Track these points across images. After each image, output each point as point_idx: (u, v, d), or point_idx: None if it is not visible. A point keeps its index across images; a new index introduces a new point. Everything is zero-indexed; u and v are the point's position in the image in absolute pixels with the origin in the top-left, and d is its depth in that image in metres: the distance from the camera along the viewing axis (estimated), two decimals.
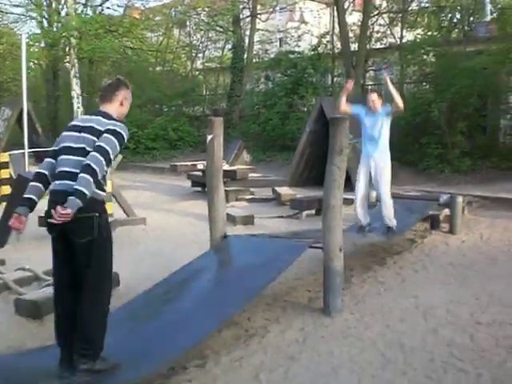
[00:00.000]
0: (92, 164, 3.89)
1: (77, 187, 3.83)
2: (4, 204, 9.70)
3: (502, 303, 6.03)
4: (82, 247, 4.07)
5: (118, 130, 4.11)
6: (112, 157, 4.05)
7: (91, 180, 3.87)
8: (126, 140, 4.18)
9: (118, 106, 4.35)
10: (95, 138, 4.05)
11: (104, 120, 4.15)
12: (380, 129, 8.13)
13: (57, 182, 4.10)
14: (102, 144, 3.99)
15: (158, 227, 10.31)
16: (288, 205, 12.10)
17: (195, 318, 4.92)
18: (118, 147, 4.10)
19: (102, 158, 3.94)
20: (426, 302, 6.09)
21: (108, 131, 4.06)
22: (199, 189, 14.64)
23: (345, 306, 5.90)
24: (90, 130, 4.11)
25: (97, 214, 4.03)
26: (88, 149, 4.01)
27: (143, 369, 4.22)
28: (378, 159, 8.16)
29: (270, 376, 4.49)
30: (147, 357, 4.37)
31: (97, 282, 4.15)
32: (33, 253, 8.25)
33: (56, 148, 4.25)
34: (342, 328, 5.40)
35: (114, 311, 4.74)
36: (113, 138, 4.05)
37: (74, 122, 4.35)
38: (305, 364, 4.67)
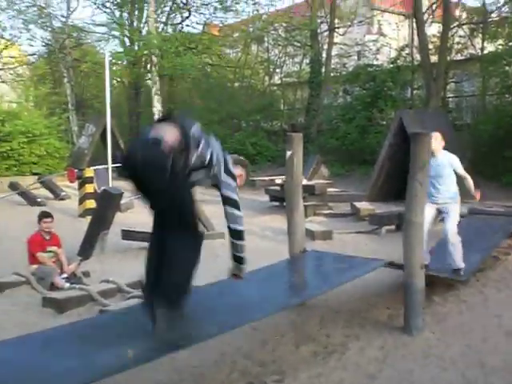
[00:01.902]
0: (238, 227, 4.48)
1: (240, 255, 4.50)
2: (89, 218, 10.02)
3: None
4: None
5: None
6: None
7: (244, 244, 4.47)
8: None
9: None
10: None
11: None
12: (441, 174, 7.13)
13: None
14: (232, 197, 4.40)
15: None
16: (367, 220, 12.00)
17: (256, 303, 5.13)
18: None
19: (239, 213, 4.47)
20: (509, 321, 5.93)
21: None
22: (277, 203, 14.70)
23: (426, 324, 5.81)
24: None
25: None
26: None
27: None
28: (443, 200, 7.19)
29: None
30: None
31: (189, 227, 4.22)
32: (117, 265, 8.51)
33: None
34: (422, 347, 5.32)
35: None
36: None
37: None
38: (384, 382, 4.62)
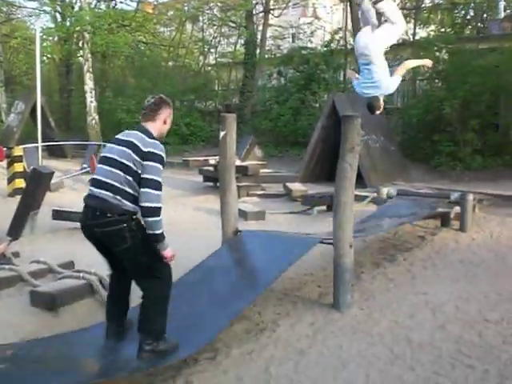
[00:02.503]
0: (151, 204, 4.18)
1: (151, 232, 4.22)
2: (18, 197, 9.81)
3: (510, 301, 6.05)
4: (121, 254, 4.34)
5: (159, 152, 4.28)
6: (161, 180, 4.26)
7: (158, 219, 4.21)
8: (164, 160, 4.35)
9: (161, 124, 4.52)
10: (135, 155, 4.22)
11: (146, 138, 4.31)
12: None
13: (93, 189, 4.34)
14: (152, 178, 4.20)
15: (170, 222, 10.30)
16: (299, 201, 12.15)
17: (208, 318, 4.98)
18: (162, 169, 4.29)
19: (156, 192, 4.21)
20: (435, 298, 6.13)
21: (150, 156, 4.23)
22: (211, 184, 14.73)
23: (354, 301, 5.96)
24: (130, 145, 4.27)
25: (124, 225, 4.23)
26: (123, 161, 4.23)
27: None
28: None
29: (280, 369, 4.56)
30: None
31: (149, 272, 4.39)
32: (47, 245, 8.37)
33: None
34: (351, 323, 5.46)
35: None
36: (158, 166, 4.25)
37: (117, 136, 4.52)
38: (314, 358, 4.74)
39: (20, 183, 12.63)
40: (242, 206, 10.85)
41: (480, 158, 15.40)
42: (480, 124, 15.63)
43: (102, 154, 4.52)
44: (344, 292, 5.81)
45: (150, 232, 4.22)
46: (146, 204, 4.16)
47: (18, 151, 13.55)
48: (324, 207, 11.28)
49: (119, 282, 4.67)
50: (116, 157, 4.27)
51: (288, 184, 13.61)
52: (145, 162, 4.20)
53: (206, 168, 15.05)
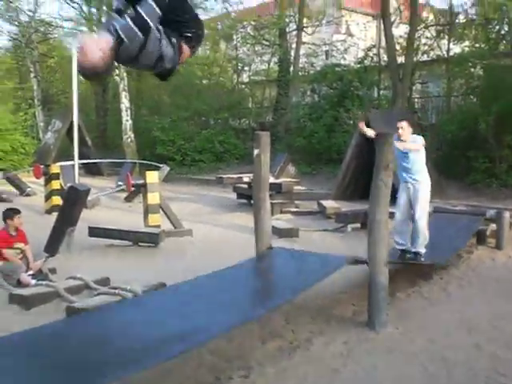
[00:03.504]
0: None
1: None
2: (55, 214, 9.97)
3: None
4: None
5: None
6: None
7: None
8: None
9: None
10: None
11: None
12: (410, 157, 7.75)
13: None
14: None
15: (205, 239, 10.44)
16: (333, 218, 12.12)
17: (222, 317, 4.93)
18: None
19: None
20: (471, 317, 6.08)
21: None
22: (245, 201, 14.77)
23: (389, 320, 5.91)
24: None
25: None
26: None
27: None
28: (414, 184, 7.79)
29: None
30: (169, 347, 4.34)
31: None
32: (83, 262, 8.49)
33: None
34: (386, 342, 5.43)
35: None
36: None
37: None
38: (348, 377, 4.71)
39: (57, 200, 12.83)
40: (276, 223, 10.85)
41: None
42: None
43: None
44: (379, 311, 5.78)
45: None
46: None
47: (55, 169, 13.78)
48: (358, 225, 11.23)
49: None
50: None
51: (322, 201, 13.60)
52: None
53: (239, 185, 15.10)
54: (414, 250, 7.84)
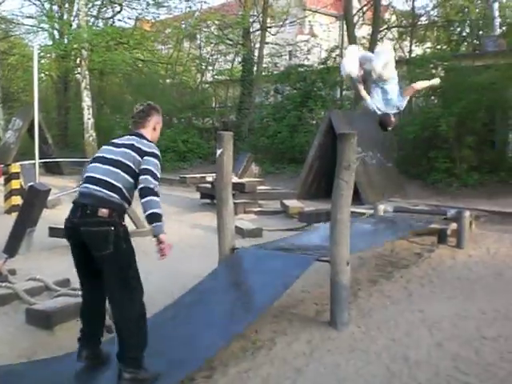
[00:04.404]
0: (151, 186, 4.17)
1: (150, 212, 4.17)
2: (15, 214, 9.80)
3: (507, 318, 6.07)
4: (101, 259, 4.26)
5: (158, 153, 4.37)
6: (158, 175, 4.30)
7: (158, 200, 4.21)
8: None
9: (151, 131, 4.57)
10: (136, 155, 4.28)
11: (145, 141, 4.40)
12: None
13: (88, 185, 4.30)
14: (151, 168, 4.24)
15: (167, 239, 10.34)
16: (296, 217, 12.15)
17: (204, 340, 4.92)
18: (159, 167, 4.34)
19: (155, 181, 4.22)
20: (432, 315, 6.13)
21: (151, 154, 4.31)
22: (208, 201, 14.72)
23: (351, 319, 5.94)
24: (131, 147, 4.33)
25: (112, 228, 4.19)
26: (124, 161, 4.27)
27: None
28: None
29: None
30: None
31: (124, 284, 4.32)
32: (43, 263, 8.36)
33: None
34: (348, 341, 5.45)
35: None
36: (157, 161, 4.32)
37: (113, 140, 4.56)
38: (311, 376, 4.72)
39: (17, 200, 12.61)
40: (239, 223, 10.84)
41: (476, 175, 15.43)
42: (476, 141, 15.68)
43: (97, 155, 4.49)
44: (341, 310, 5.80)
45: (150, 211, 4.16)
46: (146, 185, 4.18)
47: (15, 168, 13.53)
48: (321, 224, 11.26)
49: (91, 293, 4.57)
50: (116, 157, 4.30)
51: (285, 201, 13.62)
52: (145, 158, 4.26)
53: (203, 185, 15.05)
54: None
